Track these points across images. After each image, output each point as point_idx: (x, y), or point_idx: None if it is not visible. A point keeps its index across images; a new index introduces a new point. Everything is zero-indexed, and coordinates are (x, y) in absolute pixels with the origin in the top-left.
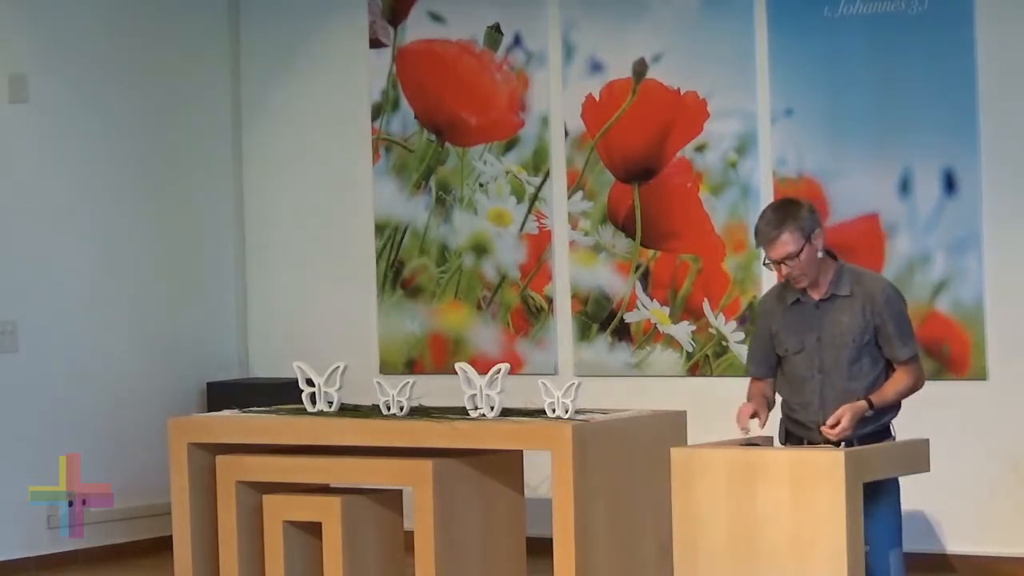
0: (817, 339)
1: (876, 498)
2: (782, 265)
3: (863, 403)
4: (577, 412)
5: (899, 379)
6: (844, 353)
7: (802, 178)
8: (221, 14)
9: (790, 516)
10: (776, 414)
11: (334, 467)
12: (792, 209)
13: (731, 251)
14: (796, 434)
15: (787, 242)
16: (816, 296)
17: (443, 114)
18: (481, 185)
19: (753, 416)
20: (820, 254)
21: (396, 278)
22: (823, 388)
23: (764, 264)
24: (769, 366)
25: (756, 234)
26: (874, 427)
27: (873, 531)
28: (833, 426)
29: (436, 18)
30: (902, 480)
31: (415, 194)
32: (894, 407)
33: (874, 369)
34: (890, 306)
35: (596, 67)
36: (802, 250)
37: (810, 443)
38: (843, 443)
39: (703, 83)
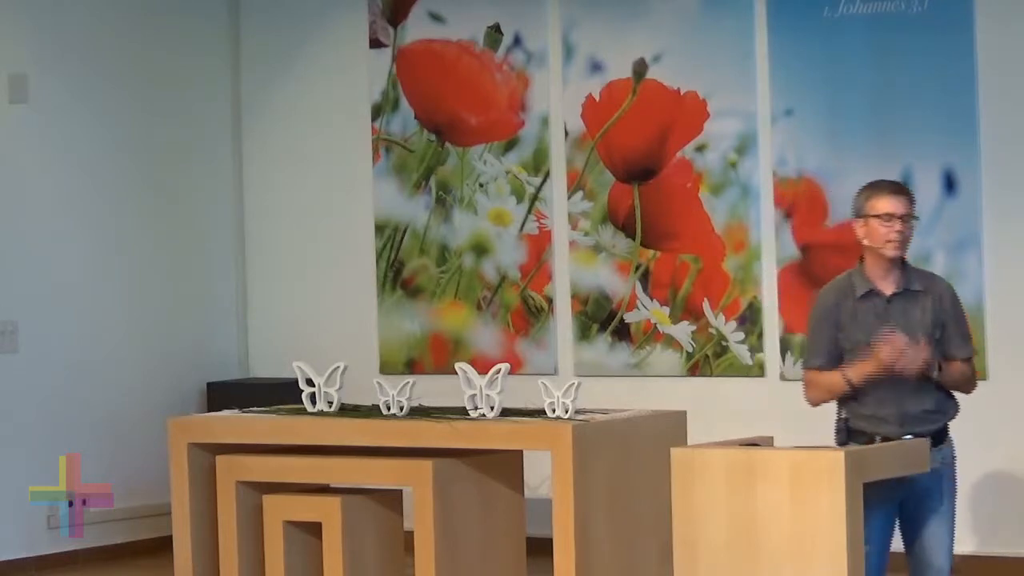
0: (890, 332)
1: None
2: (898, 221)
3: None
4: (577, 412)
5: (956, 369)
6: None
7: (802, 178)
8: (221, 14)
9: (790, 516)
10: (830, 413)
11: (334, 467)
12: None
13: (731, 251)
14: (866, 431)
15: (908, 204)
16: (888, 291)
17: (443, 114)
18: (481, 185)
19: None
20: None
21: (396, 278)
22: (897, 382)
23: (862, 216)
24: (835, 359)
25: (876, 187)
26: (936, 427)
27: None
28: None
29: (436, 18)
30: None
31: (415, 194)
32: (956, 407)
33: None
34: (955, 305)
35: (596, 67)
36: (915, 218)
37: (884, 439)
38: (906, 436)
39: (703, 83)
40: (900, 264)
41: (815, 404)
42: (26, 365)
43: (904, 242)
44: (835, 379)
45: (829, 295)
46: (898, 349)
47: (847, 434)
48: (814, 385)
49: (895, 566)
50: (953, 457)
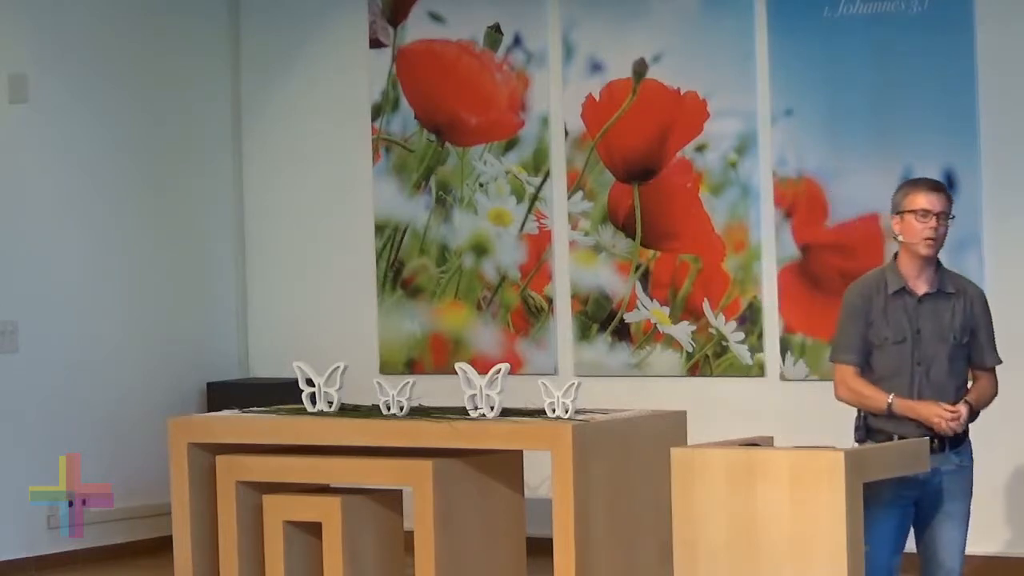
0: (917, 331)
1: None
2: (935, 218)
3: (966, 407)
4: (577, 412)
5: (986, 386)
6: (944, 349)
7: (802, 178)
8: (221, 14)
9: (790, 516)
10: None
11: (334, 467)
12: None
13: (731, 251)
14: (884, 430)
15: (946, 202)
16: (920, 290)
17: (443, 114)
18: (481, 185)
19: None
20: None
21: (396, 278)
22: (920, 380)
23: (906, 212)
24: (864, 354)
25: (915, 183)
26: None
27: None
28: (953, 415)
29: (436, 18)
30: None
31: (415, 194)
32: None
33: (965, 370)
34: (986, 312)
35: (596, 67)
36: (952, 217)
37: (901, 438)
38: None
39: (703, 83)
40: (934, 264)
41: (842, 401)
42: (26, 365)
43: (939, 240)
44: (877, 400)
45: (861, 289)
46: (950, 423)
47: (866, 432)
48: (848, 388)
49: (909, 566)
50: (971, 459)
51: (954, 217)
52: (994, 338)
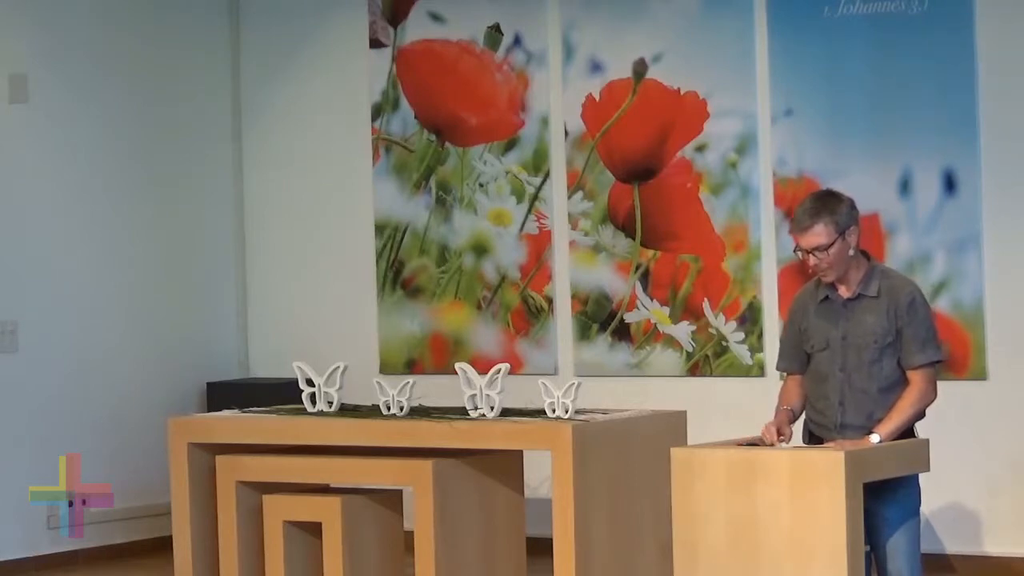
0: (842, 337)
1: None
2: (811, 255)
3: (870, 439)
4: (577, 412)
5: (905, 399)
6: (866, 353)
7: (802, 178)
8: (221, 14)
9: (790, 516)
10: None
11: (334, 467)
12: (831, 202)
13: (731, 251)
14: (816, 435)
15: (819, 233)
16: (844, 295)
17: (443, 114)
18: (481, 185)
19: (780, 435)
20: (852, 252)
21: (396, 278)
22: (843, 387)
23: (794, 252)
24: (799, 362)
25: (792, 220)
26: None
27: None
28: (774, 439)
29: (436, 18)
30: None
31: (415, 194)
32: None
33: (896, 371)
34: (912, 310)
35: (596, 67)
36: (833, 244)
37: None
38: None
39: (703, 83)
40: (863, 267)
41: None
42: (26, 365)
43: (830, 268)
44: (779, 401)
45: (797, 299)
46: (772, 440)
47: (808, 436)
48: (779, 394)
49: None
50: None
51: (843, 236)
52: (928, 336)
